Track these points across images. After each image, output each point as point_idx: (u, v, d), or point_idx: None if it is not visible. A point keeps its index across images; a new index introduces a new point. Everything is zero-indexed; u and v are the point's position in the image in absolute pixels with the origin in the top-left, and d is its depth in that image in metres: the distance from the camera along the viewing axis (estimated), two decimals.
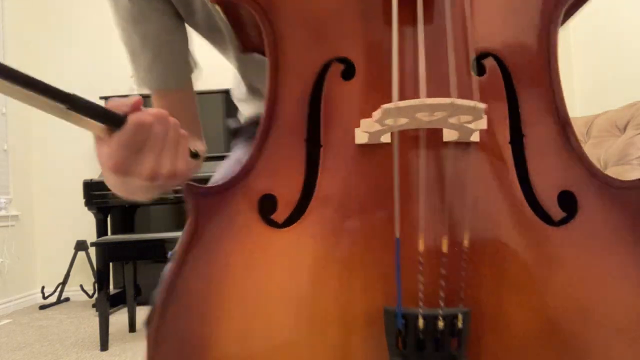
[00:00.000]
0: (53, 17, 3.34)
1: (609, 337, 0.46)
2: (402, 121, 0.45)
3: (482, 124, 0.47)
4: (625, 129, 2.03)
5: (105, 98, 2.91)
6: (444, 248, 0.46)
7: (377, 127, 0.46)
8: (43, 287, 3.15)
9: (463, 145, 0.48)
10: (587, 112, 2.48)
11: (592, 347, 0.46)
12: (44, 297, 3.13)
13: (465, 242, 0.46)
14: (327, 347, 0.47)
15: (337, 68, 0.51)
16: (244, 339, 0.47)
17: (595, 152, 2.10)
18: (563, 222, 0.47)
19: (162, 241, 2.07)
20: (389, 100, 0.45)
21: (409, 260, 0.46)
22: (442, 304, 0.45)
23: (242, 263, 0.48)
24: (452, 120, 0.44)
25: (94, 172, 3.06)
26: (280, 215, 0.49)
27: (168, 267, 0.48)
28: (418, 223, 0.47)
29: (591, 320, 0.46)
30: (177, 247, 0.49)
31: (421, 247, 0.46)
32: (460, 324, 0.43)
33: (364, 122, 0.48)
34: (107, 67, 3.25)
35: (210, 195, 0.49)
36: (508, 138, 0.50)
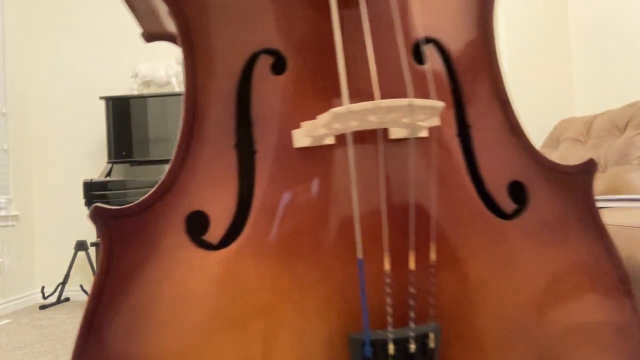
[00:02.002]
0: (53, 17, 3.34)
1: (572, 323, 0.44)
2: (352, 124, 0.40)
3: (435, 120, 0.43)
4: (625, 129, 2.03)
5: (106, 98, 2.91)
6: (412, 264, 0.41)
7: (323, 130, 0.40)
8: (43, 287, 3.15)
9: (411, 141, 0.43)
10: (587, 112, 2.48)
11: (562, 336, 0.44)
12: (44, 297, 3.12)
13: (433, 255, 0.42)
14: None
15: (266, 61, 0.44)
16: None
17: (595, 152, 2.10)
18: (516, 214, 0.45)
19: None
20: (327, 98, 0.42)
21: (371, 282, 0.41)
22: (412, 324, 0.40)
23: (171, 295, 0.40)
24: (406, 119, 0.40)
25: (94, 172, 3.06)
26: (214, 235, 0.42)
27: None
28: (381, 240, 0.41)
29: (555, 311, 0.44)
30: (93, 281, 0.41)
31: (387, 266, 0.40)
32: (432, 343, 0.39)
33: (307, 125, 0.42)
34: (107, 67, 3.24)
35: (123, 217, 0.41)
36: (455, 130, 0.46)
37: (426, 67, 0.45)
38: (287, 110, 0.43)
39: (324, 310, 0.41)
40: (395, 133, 0.43)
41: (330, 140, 0.42)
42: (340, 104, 0.41)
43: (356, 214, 0.40)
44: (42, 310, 2.96)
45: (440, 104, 0.40)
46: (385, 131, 0.43)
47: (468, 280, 0.43)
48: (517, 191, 0.46)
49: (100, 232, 0.41)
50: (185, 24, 0.44)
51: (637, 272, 0.99)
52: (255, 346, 0.40)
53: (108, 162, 2.86)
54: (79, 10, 3.34)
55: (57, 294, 3.12)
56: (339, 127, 0.40)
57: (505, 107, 0.47)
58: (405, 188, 0.42)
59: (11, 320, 2.73)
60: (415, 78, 0.44)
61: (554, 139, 2.48)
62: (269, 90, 0.44)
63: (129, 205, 0.41)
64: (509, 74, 2.71)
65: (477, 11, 0.48)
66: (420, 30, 0.45)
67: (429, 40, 0.46)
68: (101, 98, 2.91)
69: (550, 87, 2.79)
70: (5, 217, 2.99)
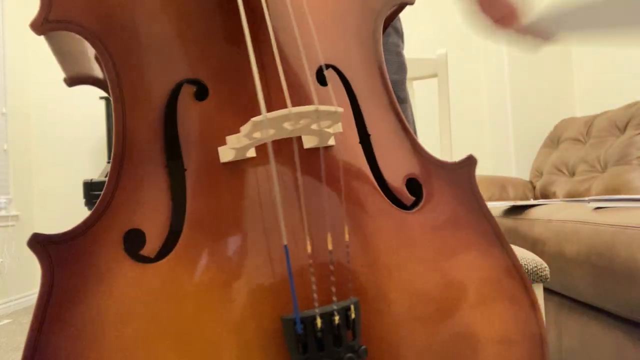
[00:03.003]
0: None
1: (469, 297, 0.52)
2: (271, 132, 0.45)
3: (339, 127, 0.51)
4: (625, 129, 2.03)
5: (106, 98, 2.91)
6: (329, 245, 0.47)
7: (245, 141, 0.45)
8: None
9: (323, 149, 0.51)
10: (587, 112, 2.48)
11: (461, 310, 0.51)
12: None
13: (346, 236, 0.49)
14: None
15: (189, 90, 0.49)
16: None
17: (595, 152, 2.10)
18: (415, 205, 0.53)
19: None
20: (247, 116, 0.46)
21: (297, 265, 0.46)
22: (335, 299, 0.46)
23: (115, 311, 0.43)
24: (314, 126, 0.47)
25: (94, 172, 3.06)
26: (151, 249, 0.45)
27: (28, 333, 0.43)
28: (301, 227, 0.47)
29: (452, 285, 0.51)
30: (34, 308, 0.43)
31: (309, 249, 0.46)
32: (353, 315, 0.45)
33: (231, 139, 0.47)
34: None
35: (63, 242, 0.44)
36: (358, 139, 0.54)
37: (328, 87, 0.54)
38: (212, 130, 0.49)
39: (258, 303, 0.45)
40: (308, 143, 0.50)
41: (251, 154, 0.48)
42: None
43: (279, 206, 0.47)
44: None
45: (340, 109, 0.46)
46: (299, 143, 0.50)
47: (378, 263, 0.50)
48: (414, 186, 0.54)
49: (41, 258, 0.43)
50: (112, 64, 0.49)
51: (637, 273, 0.99)
52: (198, 348, 0.44)
53: (108, 162, 2.86)
54: None
55: None
56: (259, 137, 0.45)
57: (396, 116, 0.56)
58: (318, 188, 0.50)
59: (11, 320, 2.73)
60: (319, 97, 0.52)
61: (554, 139, 2.48)
62: (193, 115, 0.49)
63: (67, 230, 0.45)
64: (509, 75, 2.70)
65: (368, 43, 0.57)
66: (321, 58, 0.54)
67: (329, 66, 0.54)
68: (101, 98, 2.91)
69: (550, 87, 2.78)
70: (5, 217, 2.99)
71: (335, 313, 0.44)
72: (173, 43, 0.50)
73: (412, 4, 0.60)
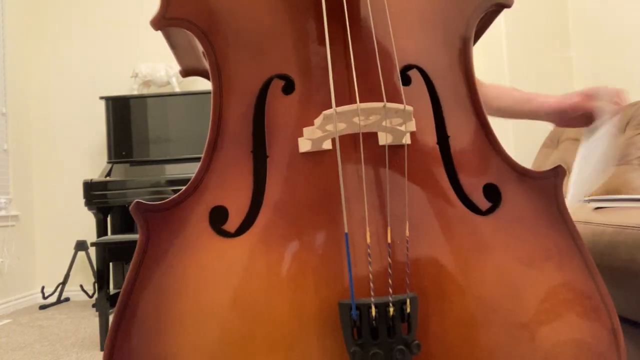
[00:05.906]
0: (53, 17, 3.34)
1: (538, 308, 0.51)
2: (341, 126, 0.49)
3: (412, 126, 0.52)
4: (625, 129, 2.03)
5: (106, 98, 2.91)
6: (389, 238, 0.50)
7: (319, 133, 0.50)
8: (43, 287, 3.15)
9: (397, 147, 0.53)
10: None
11: (527, 319, 0.51)
12: (44, 297, 3.12)
13: (407, 232, 0.51)
14: (286, 350, 0.48)
15: (278, 84, 0.54)
16: (200, 352, 0.48)
17: None
18: (490, 211, 0.53)
19: None
20: (326, 109, 0.49)
21: (357, 254, 0.50)
22: (391, 291, 0.48)
23: (196, 275, 0.49)
24: (385, 123, 0.49)
25: (94, 172, 3.05)
26: (231, 225, 0.51)
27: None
28: (363, 218, 0.50)
29: (522, 296, 0.51)
30: (130, 264, 0.50)
31: (368, 239, 0.49)
32: (408, 309, 0.47)
33: (307, 130, 0.51)
34: (107, 67, 3.24)
35: (159, 211, 0.51)
36: (436, 139, 0.55)
37: (410, 87, 0.55)
38: (294, 122, 0.53)
39: (320, 286, 0.49)
40: (383, 140, 0.52)
41: (327, 146, 0.52)
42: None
43: (342, 194, 0.50)
44: (42, 310, 2.96)
45: (409, 108, 0.48)
46: (375, 139, 0.52)
47: (445, 264, 0.51)
48: (492, 191, 0.54)
49: (139, 223, 0.50)
50: (215, 58, 0.55)
51: (637, 273, 0.99)
52: (261, 319, 0.48)
53: (108, 162, 2.86)
54: (79, 10, 3.33)
55: (57, 294, 3.12)
56: (331, 130, 0.49)
57: (480, 120, 0.56)
58: (384, 183, 0.52)
59: (11, 320, 2.73)
60: (394, 95, 0.54)
61: (554, 139, 2.48)
62: (279, 107, 0.54)
63: (163, 201, 0.51)
64: (509, 75, 2.70)
65: (457, 46, 0.58)
66: (405, 58, 0.56)
67: (413, 66, 0.56)
68: (101, 98, 2.91)
69: (550, 87, 2.78)
70: (5, 217, 2.99)
71: (391, 305, 0.46)
72: (268, 41, 0.55)
73: (509, 6, 0.58)
